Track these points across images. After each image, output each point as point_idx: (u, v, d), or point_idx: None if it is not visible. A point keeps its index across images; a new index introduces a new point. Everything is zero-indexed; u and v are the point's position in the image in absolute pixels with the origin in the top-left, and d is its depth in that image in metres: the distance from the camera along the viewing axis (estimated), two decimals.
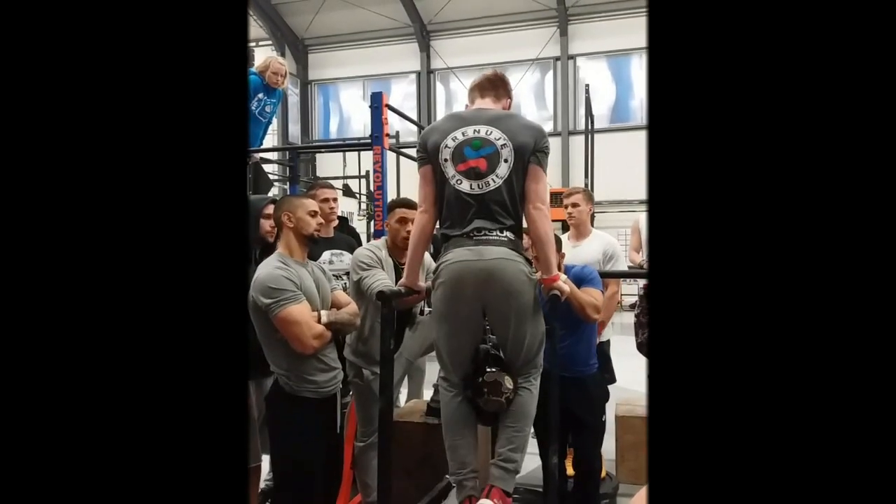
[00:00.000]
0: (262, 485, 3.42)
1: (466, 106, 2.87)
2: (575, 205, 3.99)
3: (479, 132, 2.60)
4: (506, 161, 2.55)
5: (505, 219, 2.56)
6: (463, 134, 2.61)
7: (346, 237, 3.93)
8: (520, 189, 2.59)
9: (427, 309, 3.35)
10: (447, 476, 2.70)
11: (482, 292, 2.52)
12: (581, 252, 3.85)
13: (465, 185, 2.57)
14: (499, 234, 2.53)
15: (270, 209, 3.09)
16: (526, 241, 2.71)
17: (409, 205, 3.25)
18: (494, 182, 2.54)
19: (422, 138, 2.77)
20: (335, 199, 3.71)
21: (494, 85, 2.80)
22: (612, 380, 3.89)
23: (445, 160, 2.60)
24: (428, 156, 2.66)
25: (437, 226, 2.78)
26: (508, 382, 2.60)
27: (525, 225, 2.66)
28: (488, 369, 2.61)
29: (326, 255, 3.53)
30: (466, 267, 2.50)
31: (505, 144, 2.56)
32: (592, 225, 4.26)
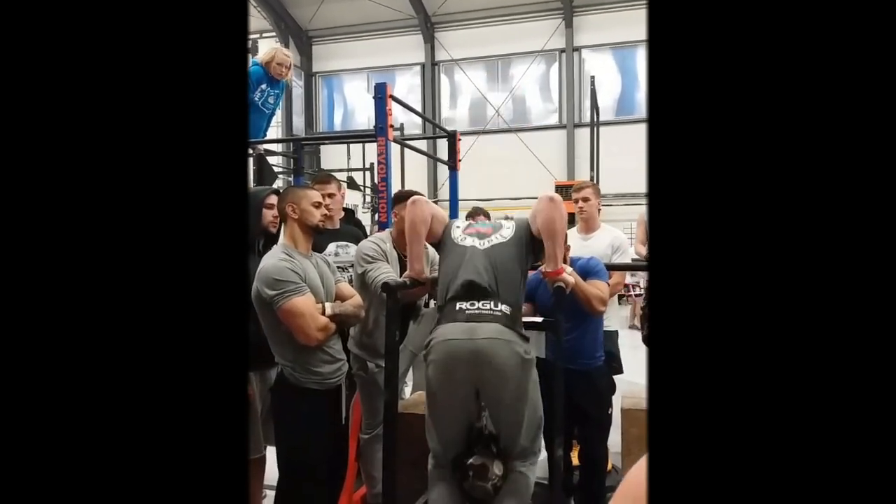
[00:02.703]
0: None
1: None
2: (586, 199, 4.00)
3: (485, 223, 2.89)
4: (508, 228, 2.72)
5: (504, 286, 2.50)
6: (472, 222, 2.94)
7: (351, 229, 3.91)
8: (522, 262, 2.64)
9: (432, 301, 3.35)
10: None
11: (474, 374, 2.40)
12: (591, 245, 3.86)
13: (468, 241, 2.66)
14: (493, 307, 2.44)
15: (272, 199, 3.09)
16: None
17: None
18: (498, 239, 2.65)
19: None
20: (331, 195, 3.59)
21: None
22: (619, 370, 3.89)
23: (457, 227, 2.79)
24: (443, 224, 2.81)
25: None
26: (497, 468, 2.47)
27: (534, 221, 2.66)
28: (477, 451, 2.49)
29: (332, 246, 3.52)
30: (457, 347, 2.39)
31: (507, 222, 2.80)
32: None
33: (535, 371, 2.51)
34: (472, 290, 2.47)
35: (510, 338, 2.41)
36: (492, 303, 2.45)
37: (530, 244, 2.68)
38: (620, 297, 6.57)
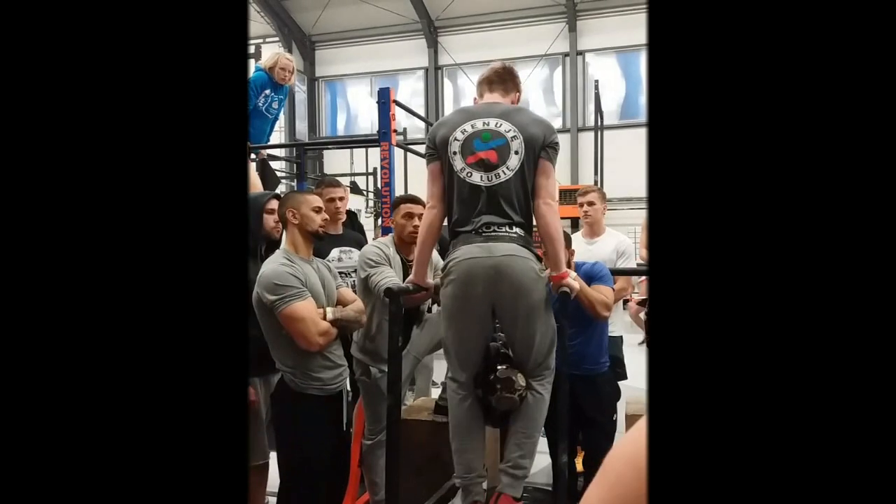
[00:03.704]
0: None
1: (475, 100, 2.82)
2: (591, 203, 3.99)
3: (488, 124, 2.56)
4: (516, 153, 2.51)
5: (515, 213, 2.51)
6: (472, 126, 2.57)
7: (355, 234, 3.92)
8: (531, 183, 2.54)
9: (434, 307, 3.35)
10: (454, 478, 2.70)
11: (491, 290, 2.48)
12: (595, 250, 3.85)
13: (475, 178, 2.52)
14: (508, 229, 2.49)
15: (273, 204, 3.09)
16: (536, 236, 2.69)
17: (413, 200, 3.25)
18: (505, 174, 2.50)
19: (431, 133, 2.73)
20: (342, 199, 3.64)
21: (503, 78, 2.76)
22: (624, 376, 3.88)
23: (454, 153, 2.56)
24: (437, 150, 2.63)
25: (445, 223, 2.75)
26: (521, 379, 2.58)
27: (534, 221, 2.64)
28: (500, 366, 2.60)
29: (335, 252, 3.53)
30: (476, 264, 2.46)
31: (515, 136, 2.52)
32: None
33: (547, 289, 2.60)
34: (489, 225, 2.51)
35: (526, 255, 2.49)
36: (507, 226, 2.51)
37: (537, 160, 2.57)
38: (625, 301, 6.54)
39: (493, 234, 2.49)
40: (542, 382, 2.63)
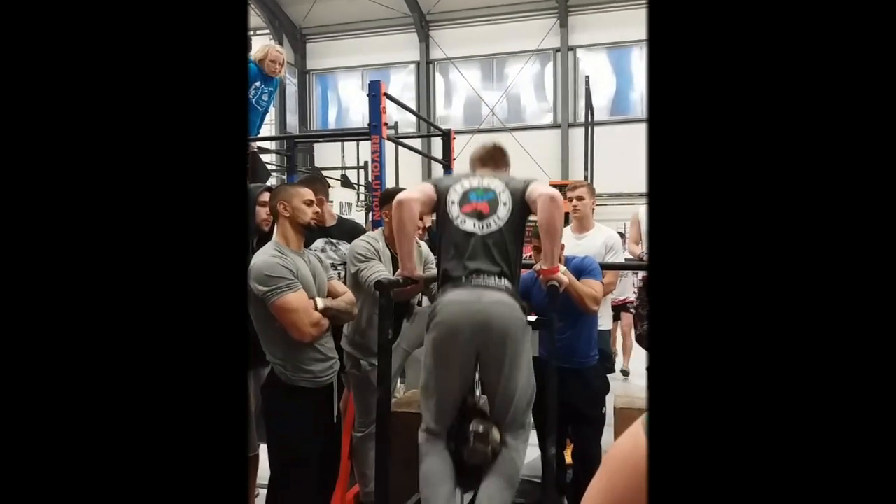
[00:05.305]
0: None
1: None
2: (580, 198, 4.01)
3: (482, 182, 2.79)
4: (504, 204, 2.71)
5: (503, 263, 2.61)
6: (469, 182, 2.80)
7: (350, 223, 3.87)
8: (518, 234, 2.71)
9: (425, 300, 3.35)
10: None
11: (478, 336, 2.51)
12: (585, 245, 3.87)
13: (468, 225, 2.69)
14: (497, 279, 2.58)
15: (266, 197, 3.08)
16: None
17: None
18: (495, 224, 2.68)
19: (434, 181, 2.95)
20: (312, 202, 3.43)
21: (493, 156, 3.03)
22: (611, 369, 3.91)
23: (452, 202, 2.75)
24: (437, 192, 2.80)
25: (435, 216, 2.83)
26: (496, 434, 2.56)
27: (532, 202, 2.70)
28: (475, 419, 2.58)
29: (319, 242, 3.47)
30: (464, 308, 2.53)
31: (503, 190, 2.74)
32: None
33: (530, 344, 2.65)
34: (479, 273, 2.59)
35: (513, 304, 2.56)
36: (495, 277, 2.59)
37: (525, 214, 2.75)
38: (620, 308, 6.56)
39: (481, 282, 2.57)
40: (517, 441, 2.62)
